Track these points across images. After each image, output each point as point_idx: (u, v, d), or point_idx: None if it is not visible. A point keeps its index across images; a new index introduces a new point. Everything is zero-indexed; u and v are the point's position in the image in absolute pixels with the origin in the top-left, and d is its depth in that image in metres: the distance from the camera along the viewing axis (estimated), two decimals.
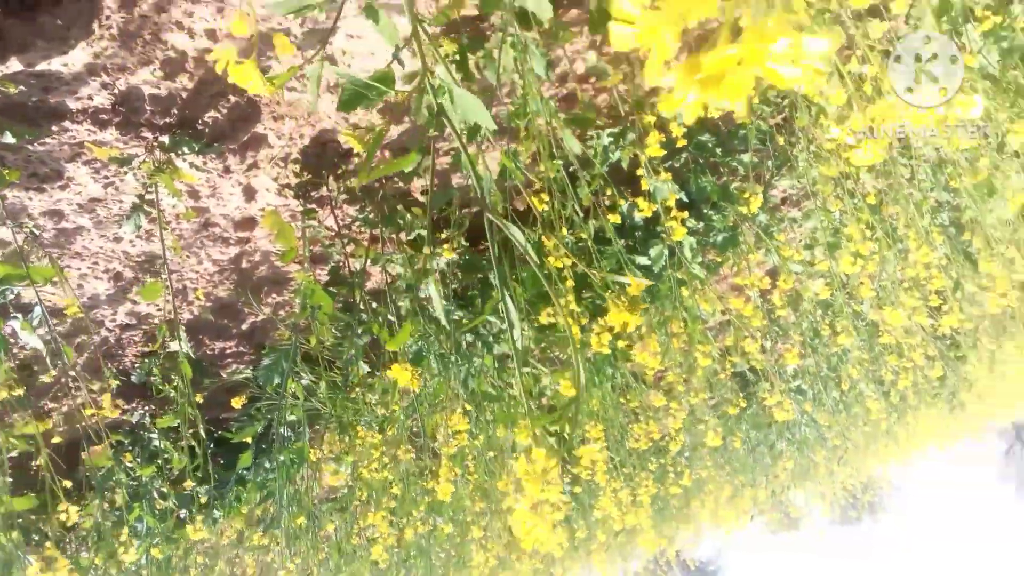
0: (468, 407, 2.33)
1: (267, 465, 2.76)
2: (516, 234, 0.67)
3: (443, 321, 1.22)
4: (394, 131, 2.12)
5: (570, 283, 1.89)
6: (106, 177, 1.94)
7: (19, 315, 1.90)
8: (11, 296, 1.94)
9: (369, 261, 2.23)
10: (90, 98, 1.72)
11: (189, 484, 2.45)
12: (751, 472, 5.28)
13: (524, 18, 1.47)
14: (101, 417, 1.99)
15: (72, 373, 2.11)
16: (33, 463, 2.39)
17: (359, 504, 3.04)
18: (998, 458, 20.11)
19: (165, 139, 1.85)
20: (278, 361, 2.29)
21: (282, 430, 2.51)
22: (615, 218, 2.09)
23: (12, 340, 2.00)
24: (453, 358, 2.21)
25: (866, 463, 7.28)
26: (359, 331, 2.28)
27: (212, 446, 2.49)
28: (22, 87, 1.62)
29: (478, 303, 2.41)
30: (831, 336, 3.41)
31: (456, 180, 2.38)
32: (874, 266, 2.71)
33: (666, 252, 2.37)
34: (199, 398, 2.36)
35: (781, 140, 2.64)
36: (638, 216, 2.28)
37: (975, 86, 1.74)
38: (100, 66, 1.66)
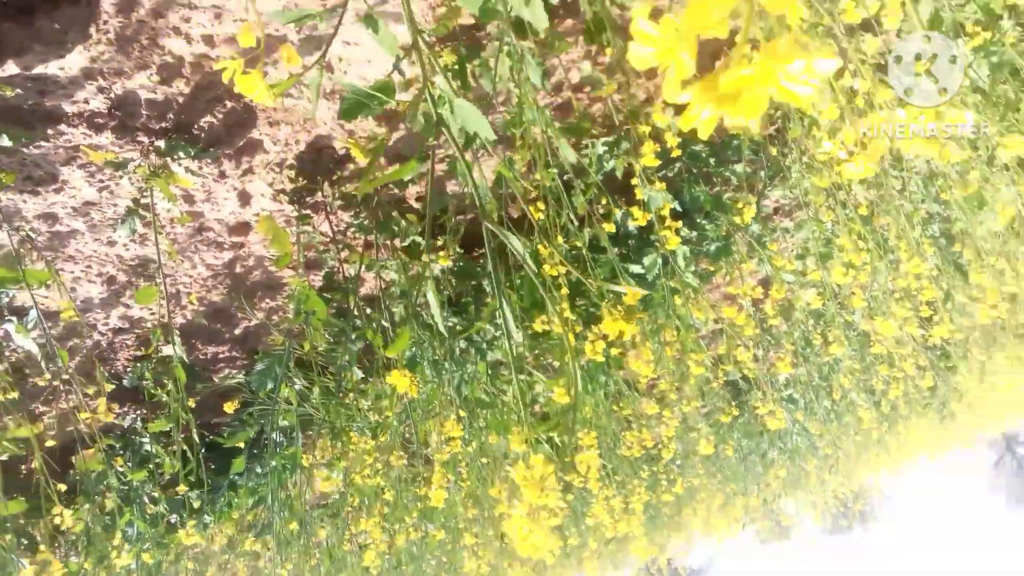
0: (462, 413, 2.33)
1: (259, 470, 2.76)
2: (515, 243, 0.67)
3: (440, 328, 1.23)
4: (390, 137, 2.13)
5: (564, 291, 1.90)
6: (101, 181, 1.94)
7: (13, 318, 1.89)
8: (5, 299, 1.94)
9: (363, 267, 2.23)
10: (86, 102, 1.72)
11: (182, 489, 2.44)
12: (743, 480, 5.29)
13: (520, 28, 1.48)
14: (95, 421, 1.98)
15: (65, 376, 2.10)
16: (23, 467, 2.38)
17: (351, 510, 3.04)
18: (988, 469, 20.18)
19: (161, 143, 1.85)
20: (271, 366, 2.29)
21: (275, 435, 2.51)
22: (610, 227, 2.10)
23: (4, 343, 1.99)
24: (447, 364, 2.22)
25: (857, 472, 7.30)
26: (353, 337, 2.28)
27: (204, 451, 2.48)
28: (18, 90, 1.62)
29: (472, 309, 2.42)
30: (823, 345, 3.42)
31: (451, 187, 2.39)
32: (865, 276, 2.73)
33: (660, 261, 2.39)
34: (191, 402, 2.36)
35: (774, 151, 2.66)
36: (632, 225, 2.29)
37: (966, 100, 1.76)
38: (97, 70, 1.66)
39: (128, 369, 2.61)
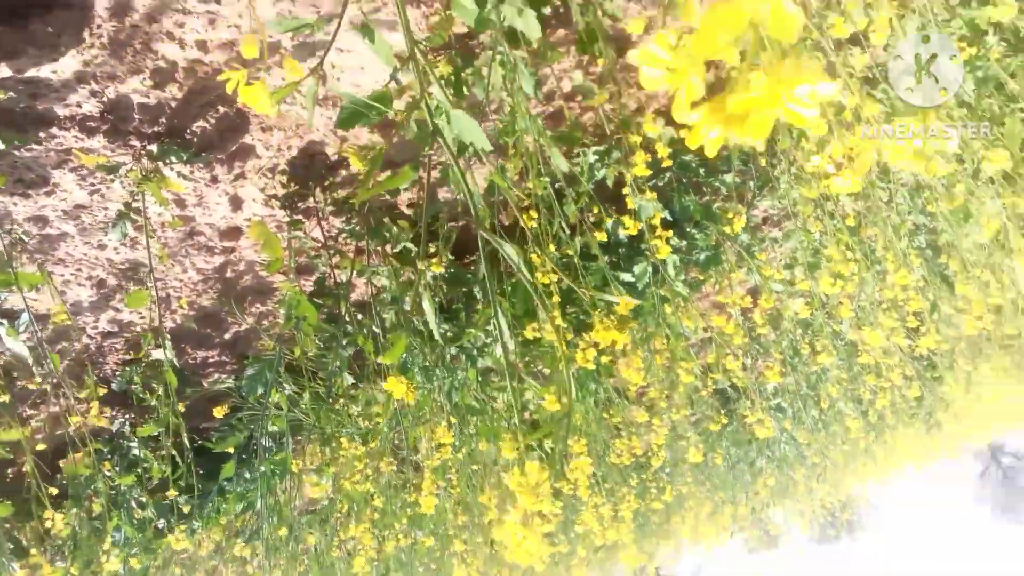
0: (452, 420, 2.34)
1: (248, 475, 2.75)
2: (510, 251, 0.68)
3: (436, 335, 1.24)
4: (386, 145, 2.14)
5: (556, 299, 1.91)
6: (92, 184, 1.94)
7: (4, 321, 1.88)
8: None
9: (355, 273, 2.24)
10: (79, 105, 1.72)
11: (171, 493, 2.43)
12: (731, 489, 5.30)
13: (513, 37, 1.50)
14: (85, 424, 1.98)
15: (55, 380, 2.09)
16: (10, 471, 2.37)
17: (340, 516, 3.03)
18: (974, 479, 20.28)
19: (153, 148, 1.85)
20: (262, 371, 2.29)
21: (264, 440, 2.50)
22: (601, 235, 2.12)
23: None
24: (438, 371, 2.22)
25: (845, 481, 7.34)
26: (344, 343, 2.29)
27: (193, 456, 2.48)
28: (11, 93, 1.62)
29: (462, 316, 2.43)
30: (811, 355, 3.45)
31: (442, 194, 2.40)
32: (853, 287, 2.76)
33: (650, 269, 2.40)
34: (181, 407, 2.35)
35: (763, 162, 2.68)
36: (623, 234, 2.31)
37: (952, 114, 1.79)
38: (89, 74, 1.66)
39: (117, 373, 2.60)
